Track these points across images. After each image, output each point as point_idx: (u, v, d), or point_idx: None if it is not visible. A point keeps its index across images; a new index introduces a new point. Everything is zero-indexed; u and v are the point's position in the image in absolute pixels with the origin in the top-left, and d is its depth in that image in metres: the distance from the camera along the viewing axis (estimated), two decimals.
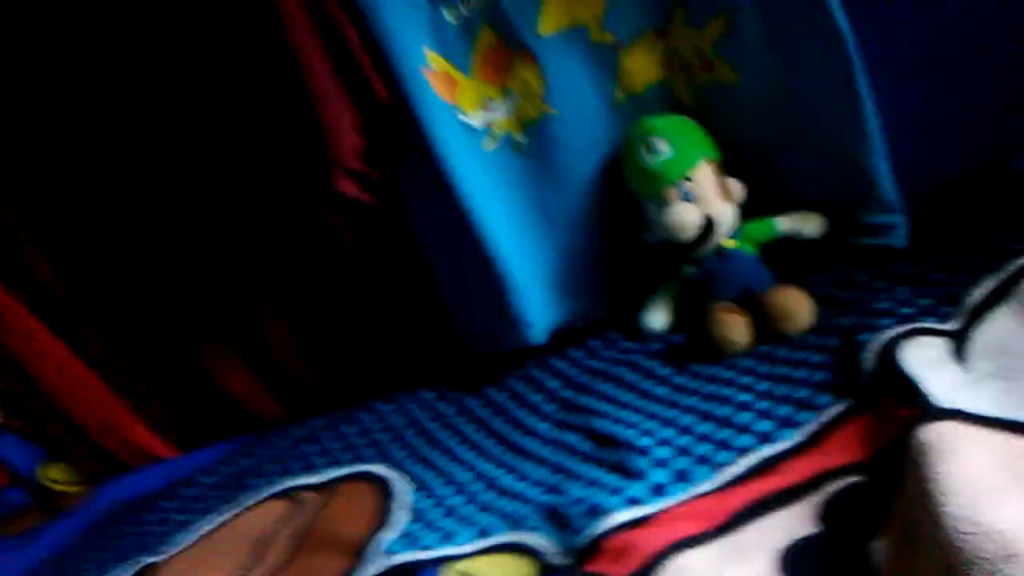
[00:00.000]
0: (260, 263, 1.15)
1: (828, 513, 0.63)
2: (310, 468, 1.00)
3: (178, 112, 1.06)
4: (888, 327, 0.77)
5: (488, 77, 1.00)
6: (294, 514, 0.94)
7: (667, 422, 0.81)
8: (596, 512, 0.70)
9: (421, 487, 0.88)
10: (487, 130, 1.01)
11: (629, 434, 0.79)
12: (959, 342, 0.74)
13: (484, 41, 0.98)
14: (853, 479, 0.64)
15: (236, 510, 0.98)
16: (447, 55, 0.98)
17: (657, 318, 1.01)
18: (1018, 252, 0.82)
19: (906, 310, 0.80)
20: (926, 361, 0.70)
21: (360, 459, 0.99)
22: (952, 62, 1.03)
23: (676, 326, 1.01)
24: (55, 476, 1.32)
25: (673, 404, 0.84)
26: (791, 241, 1.00)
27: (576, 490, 0.76)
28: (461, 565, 0.73)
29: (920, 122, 1.04)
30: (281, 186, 1.08)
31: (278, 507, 0.96)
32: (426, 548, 0.77)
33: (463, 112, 1.00)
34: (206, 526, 0.98)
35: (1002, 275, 0.79)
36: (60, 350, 1.17)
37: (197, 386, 1.22)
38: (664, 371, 0.91)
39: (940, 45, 1.03)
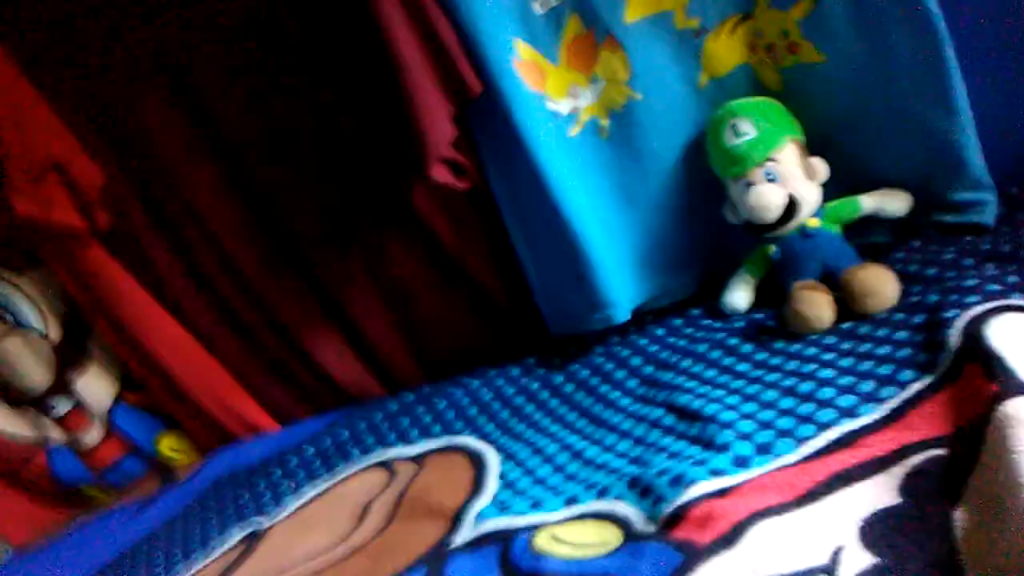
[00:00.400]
0: (356, 246, 1.22)
1: (910, 485, 0.65)
2: (405, 439, 1.06)
3: (287, 100, 1.12)
4: (974, 304, 0.77)
5: (575, 65, 1.03)
6: (390, 483, 1.00)
7: (749, 397, 0.83)
8: (680, 482, 0.73)
9: (510, 458, 0.92)
10: (573, 116, 1.05)
11: (711, 408, 0.82)
12: None
13: (571, 30, 1.01)
14: (936, 452, 0.65)
15: (337, 479, 1.05)
16: (536, 44, 1.01)
17: (739, 297, 1.03)
18: None
19: (993, 287, 0.80)
20: (1013, 337, 0.70)
21: (451, 431, 1.04)
22: None
23: (758, 305, 1.02)
24: (170, 446, 1.41)
25: (755, 380, 0.86)
26: (876, 219, 1.00)
27: (660, 461, 0.79)
28: (552, 530, 0.77)
29: (1007, 100, 1.02)
30: (379, 173, 1.14)
31: (376, 476, 1.02)
32: (518, 514, 0.82)
33: (551, 99, 1.03)
34: (310, 492, 1.04)
35: None
36: (174, 327, 1.26)
37: (299, 363, 1.30)
38: (746, 348, 0.93)
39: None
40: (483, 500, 0.86)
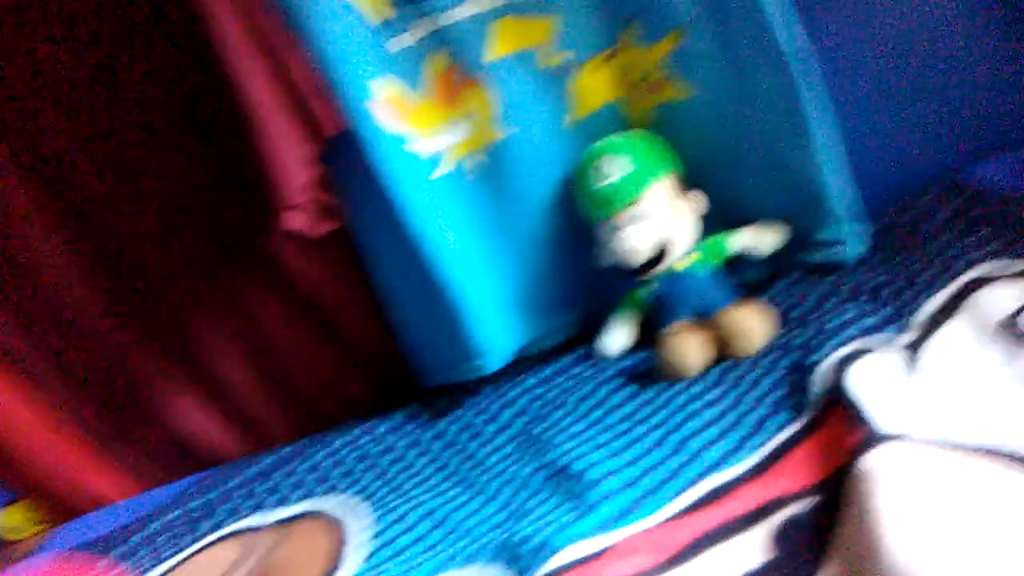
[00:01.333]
0: (215, 293, 1.13)
1: (780, 538, 0.62)
2: (260, 507, 0.98)
3: (137, 137, 1.04)
4: (838, 346, 0.76)
5: (440, 103, 0.99)
6: (245, 558, 0.91)
7: (617, 452, 0.79)
8: (546, 548, 0.68)
9: (374, 525, 0.86)
10: (439, 157, 1.00)
11: (579, 465, 0.78)
12: (909, 358, 0.73)
13: (435, 67, 0.97)
14: (805, 502, 0.63)
15: (185, 554, 0.95)
16: (397, 83, 0.96)
17: (613, 342, 0.99)
18: (969, 265, 0.81)
19: (854, 330, 0.79)
20: (875, 381, 0.69)
21: (311, 496, 0.96)
22: (912, 79, 1.04)
23: (636, 347, 0.99)
24: (14, 521, 1.28)
25: (624, 433, 0.82)
26: (751, 255, 0.98)
27: (526, 527, 0.74)
28: None
29: (879, 136, 1.04)
30: (240, 215, 1.07)
31: (228, 550, 0.93)
32: None
33: (414, 140, 0.98)
34: (155, 572, 0.94)
35: (952, 289, 0.79)
36: (5, 388, 1.14)
37: (151, 423, 1.19)
38: (616, 399, 0.90)
39: (901, 61, 1.04)
40: (343, 574, 0.79)
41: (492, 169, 1.01)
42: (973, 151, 1.03)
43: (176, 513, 1.03)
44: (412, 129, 0.98)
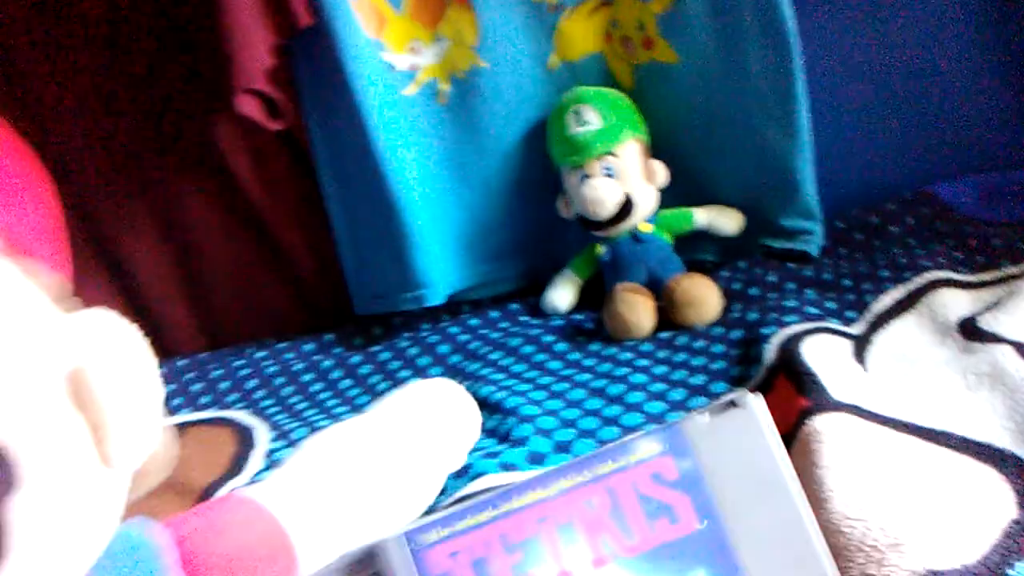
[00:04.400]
0: (139, 182, 1.04)
1: None
2: (166, 409, 0.91)
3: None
4: (792, 324, 0.75)
5: (419, 18, 0.94)
6: None
7: (556, 394, 0.76)
8: (467, 473, 0.64)
9: (282, 436, 0.81)
10: (411, 74, 0.96)
11: (513, 401, 0.74)
12: (860, 345, 0.72)
13: None
14: None
15: None
16: None
17: (562, 296, 0.97)
18: (927, 268, 0.81)
19: (812, 310, 0.78)
20: (826, 358, 0.67)
21: (221, 404, 0.91)
22: (891, 91, 1.04)
23: (580, 307, 0.97)
24: None
25: (565, 379, 0.79)
26: (705, 236, 0.97)
27: None
28: None
29: (849, 139, 1.04)
30: (175, 99, 0.99)
31: None
32: None
33: (388, 51, 0.94)
34: None
35: (909, 286, 0.78)
36: None
37: None
38: (560, 347, 0.87)
39: (881, 68, 1.04)
40: (241, 479, 0.74)
41: (464, 98, 0.97)
42: (942, 169, 1.03)
43: None
44: (385, 41, 0.93)
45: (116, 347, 0.35)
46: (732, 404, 0.41)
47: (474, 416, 0.53)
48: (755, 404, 0.41)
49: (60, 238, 0.40)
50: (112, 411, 0.33)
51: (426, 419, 0.53)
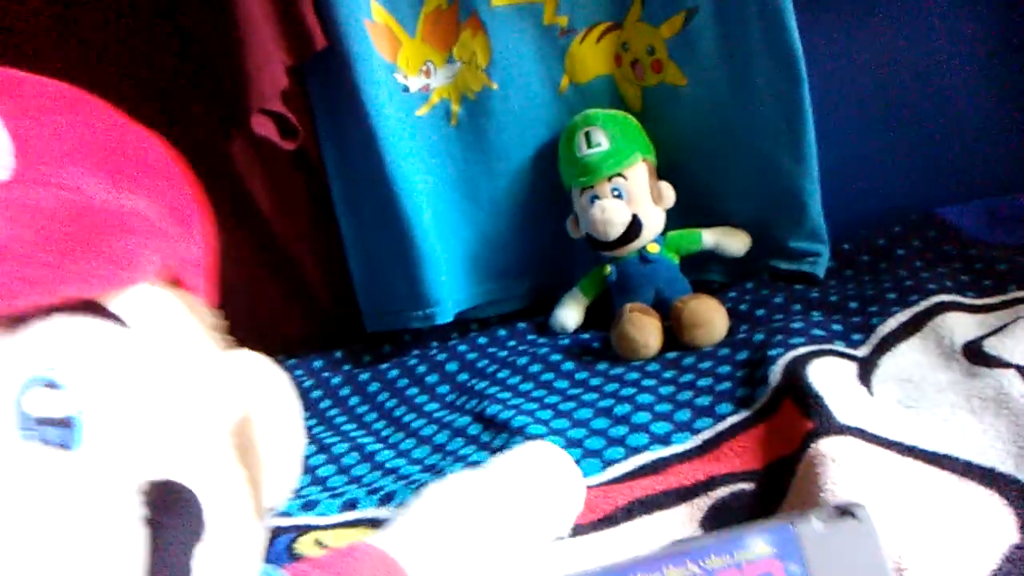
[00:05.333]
0: None
1: (712, 518, 0.60)
2: None
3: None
4: (799, 345, 0.75)
5: (432, 40, 0.96)
6: None
7: (562, 413, 0.76)
8: None
9: None
10: (424, 95, 0.97)
11: (520, 420, 0.75)
12: (866, 368, 0.73)
13: (434, 2, 0.94)
14: (743, 486, 0.61)
15: None
16: (393, 10, 0.93)
17: (570, 316, 0.97)
18: (933, 291, 0.81)
19: (818, 332, 0.78)
20: (832, 380, 0.68)
21: None
22: (898, 114, 1.05)
23: (587, 327, 0.97)
24: None
25: (572, 398, 0.80)
26: (712, 257, 0.98)
27: (455, 470, 0.70)
28: (318, 534, 0.67)
29: (857, 162, 1.05)
30: (193, 115, 1.01)
31: None
32: (285, 515, 0.71)
33: (401, 72, 0.95)
34: None
35: (915, 309, 0.79)
36: None
37: None
38: (567, 366, 0.87)
39: (888, 91, 1.05)
40: None
41: (475, 118, 0.98)
42: (949, 192, 1.04)
43: None
44: (399, 64, 0.95)
45: (274, 397, 0.34)
46: (848, 514, 0.39)
47: (580, 485, 0.53)
48: (872, 519, 0.39)
49: (213, 257, 0.39)
50: (271, 465, 0.33)
51: (538, 486, 0.51)
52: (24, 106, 0.29)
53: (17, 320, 0.25)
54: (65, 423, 0.25)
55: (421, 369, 0.93)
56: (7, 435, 0.24)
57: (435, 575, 0.44)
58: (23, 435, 0.24)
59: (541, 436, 0.72)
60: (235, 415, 0.32)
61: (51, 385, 0.25)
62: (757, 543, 0.39)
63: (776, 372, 0.71)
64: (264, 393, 0.34)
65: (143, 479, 0.25)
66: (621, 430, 0.72)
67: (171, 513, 0.25)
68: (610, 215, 0.91)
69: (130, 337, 0.28)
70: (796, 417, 0.64)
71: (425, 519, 0.48)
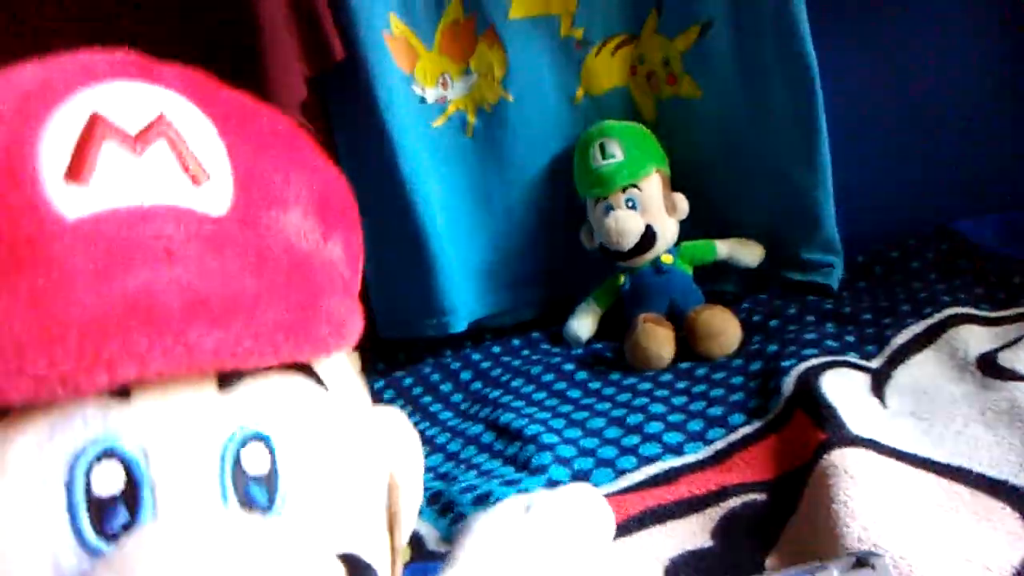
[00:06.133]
0: None
1: (725, 528, 0.60)
2: None
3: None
4: (811, 356, 0.75)
5: (450, 52, 0.97)
6: None
7: (575, 423, 0.77)
8: (486, 501, 0.65)
9: None
10: (441, 106, 0.98)
11: (533, 429, 0.75)
12: (879, 379, 0.73)
13: (451, 14, 0.95)
14: (755, 496, 0.61)
15: None
16: (411, 23, 0.94)
17: (583, 326, 0.98)
18: (947, 303, 0.81)
19: (831, 343, 0.78)
20: (845, 392, 0.68)
21: None
22: (912, 123, 1.05)
23: (601, 337, 0.98)
24: None
25: (585, 407, 0.80)
26: (726, 268, 0.98)
27: (469, 478, 0.71)
28: None
29: (871, 174, 1.05)
30: None
31: None
32: None
33: (418, 84, 0.96)
34: None
35: (929, 321, 0.79)
36: None
37: None
38: (581, 375, 0.88)
39: (903, 104, 1.05)
40: None
41: (491, 129, 0.99)
42: (963, 205, 1.04)
43: None
44: (417, 76, 0.96)
45: (413, 459, 0.33)
46: (863, 564, 0.39)
47: (611, 526, 0.53)
48: (889, 568, 0.39)
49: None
50: (408, 526, 0.32)
51: (575, 525, 0.51)
52: (250, 138, 0.28)
53: (235, 373, 0.24)
54: (269, 481, 0.25)
55: (435, 377, 0.94)
56: (207, 488, 0.23)
57: None
58: (221, 489, 0.24)
59: (553, 445, 0.72)
60: (386, 478, 0.31)
61: (259, 440, 0.25)
62: None
63: (789, 383, 0.72)
64: (406, 454, 0.33)
65: (335, 551, 0.24)
66: (634, 440, 0.72)
67: None
68: (624, 225, 0.91)
69: (329, 399, 0.27)
70: (808, 428, 0.64)
71: (480, 559, 0.47)
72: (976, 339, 0.75)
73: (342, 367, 0.30)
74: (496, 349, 0.98)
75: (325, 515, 0.26)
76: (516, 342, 1.00)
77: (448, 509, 0.66)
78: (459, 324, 0.98)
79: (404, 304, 1.00)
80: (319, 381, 0.27)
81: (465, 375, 0.94)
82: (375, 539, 0.28)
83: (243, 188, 0.26)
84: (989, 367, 0.70)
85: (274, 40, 0.88)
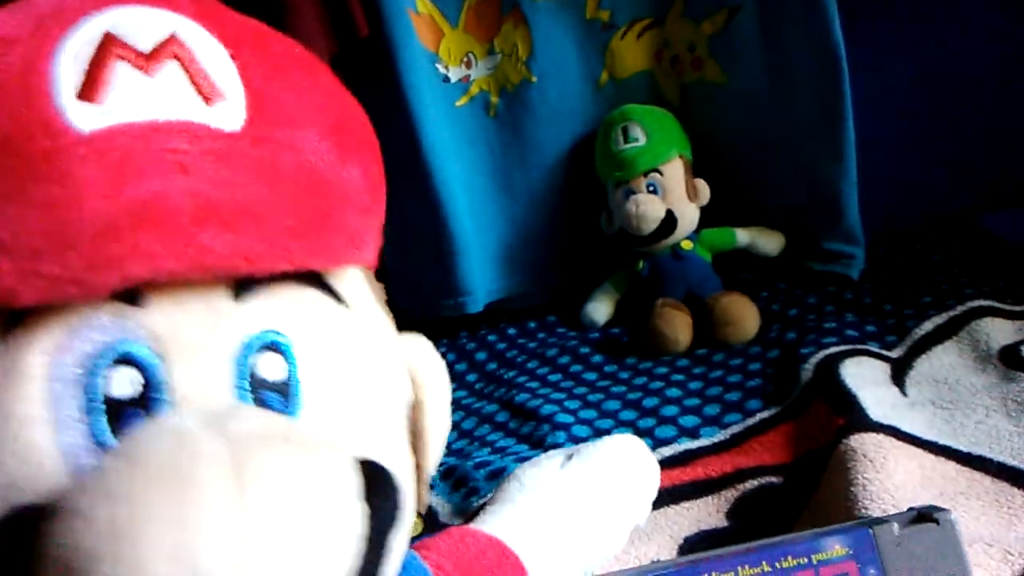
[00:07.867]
0: None
1: (739, 510, 0.60)
2: None
3: None
4: (831, 344, 0.75)
5: (475, 32, 0.97)
6: None
7: (590, 404, 0.77)
8: (498, 476, 0.65)
9: None
10: (464, 86, 0.98)
11: (548, 408, 0.75)
12: (900, 369, 0.72)
13: None
14: (770, 479, 0.61)
15: None
16: (437, 1, 0.94)
17: (600, 310, 0.97)
18: (970, 296, 0.80)
19: (851, 332, 0.78)
20: (865, 379, 0.67)
21: None
22: (939, 115, 1.03)
23: (617, 322, 0.97)
24: None
25: (600, 389, 0.80)
26: (745, 254, 0.97)
27: (482, 454, 0.71)
28: None
29: (896, 166, 1.03)
30: None
31: None
32: None
33: (442, 63, 0.96)
34: None
35: (952, 312, 0.78)
36: None
37: None
38: (597, 358, 0.87)
39: (929, 95, 1.04)
40: None
41: (513, 110, 0.99)
42: (988, 199, 1.02)
43: None
44: (441, 54, 0.96)
45: (439, 384, 0.33)
46: (928, 519, 0.38)
47: (656, 475, 0.52)
48: (955, 524, 0.39)
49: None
50: (435, 450, 0.31)
51: (620, 473, 0.51)
52: (263, 61, 0.28)
53: (249, 281, 0.24)
54: (285, 388, 0.25)
55: (451, 357, 0.94)
56: (222, 393, 0.24)
57: (544, 561, 0.44)
58: (237, 394, 0.24)
59: (568, 425, 0.72)
60: (409, 400, 0.31)
61: (275, 349, 0.25)
62: (834, 545, 0.38)
63: (808, 370, 0.71)
64: (431, 380, 0.33)
65: (353, 456, 0.24)
66: (649, 422, 0.72)
67: (379, 495, 0.24)
68: (644, 210, 0.91)
69: (349, 316, 0.28)
70: (827, 414, 0.63)
71: (526, 505, 0.47)
72: (999, 331, 0.74)
73: (364, 291, 0.30)
74: (512, 331, 0.98)
75: (342, 422, 0.26)
76: (532, 324, 1.00)
77: (462, 483, 0.66)
78: (476, 305, 0.97)
79: (421, 284, 1.00)
80: (339, 299, 0.27)
81: (480, 356, 0.94)
82: (395, 452, 0.28)
83: (256, 107, 0.26)
84: (1012, 359, 0.69)
85: (299, 16, 0.88)
